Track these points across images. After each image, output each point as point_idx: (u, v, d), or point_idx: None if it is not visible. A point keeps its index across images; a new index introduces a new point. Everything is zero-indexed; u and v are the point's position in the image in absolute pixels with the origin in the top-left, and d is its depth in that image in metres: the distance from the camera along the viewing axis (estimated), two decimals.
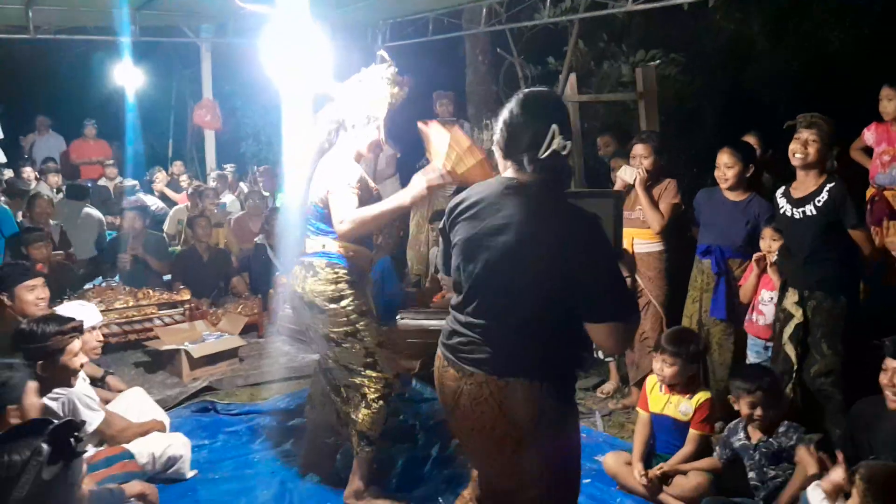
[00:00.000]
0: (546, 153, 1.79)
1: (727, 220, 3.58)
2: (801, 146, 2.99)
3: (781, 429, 2.77)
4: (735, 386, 2.86)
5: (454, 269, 1.96)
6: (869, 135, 3.96)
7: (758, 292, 3.43)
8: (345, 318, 2.79)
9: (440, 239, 2.03)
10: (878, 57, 6.60)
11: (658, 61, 5.73)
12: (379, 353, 2.85)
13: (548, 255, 1.78)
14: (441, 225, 1.99)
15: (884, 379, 2.42)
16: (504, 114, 1.90)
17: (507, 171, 1.89)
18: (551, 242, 1.78)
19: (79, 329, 2.83)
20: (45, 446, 1.81)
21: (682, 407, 2.98)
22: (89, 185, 7.00)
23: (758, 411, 2.77)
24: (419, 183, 2.57)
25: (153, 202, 7.70)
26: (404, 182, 6.57)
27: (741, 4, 5.98)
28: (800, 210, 3.04)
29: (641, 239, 3.80)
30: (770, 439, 2.77)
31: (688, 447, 2.94)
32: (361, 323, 2.82)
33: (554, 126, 1.79)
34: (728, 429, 2.95)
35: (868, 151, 4.05)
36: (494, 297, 1.86)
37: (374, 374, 2.84)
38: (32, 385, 2.34)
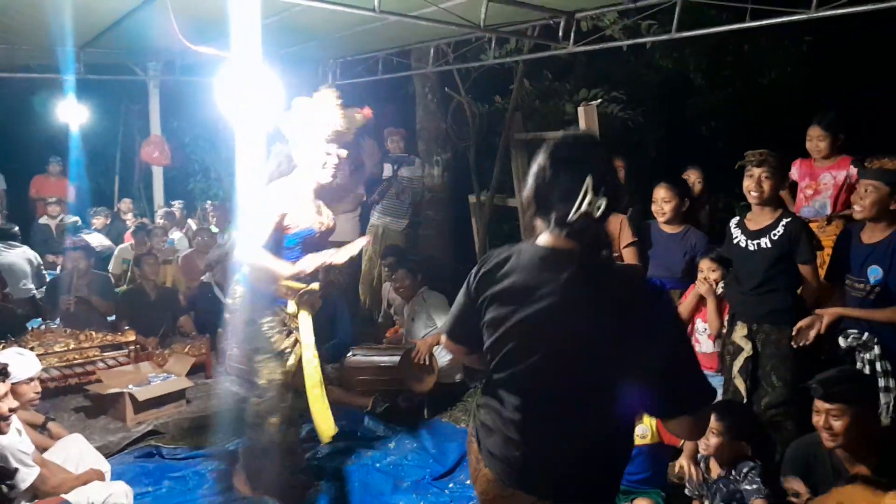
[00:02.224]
0: (576, 216, 1.46)
1: (665, 251, 3.72)
2: (756, 184, 3.12)
3: (744, 469, 2.72)
4: None
5: (487, 344, 1.64)
6: (794, 170, 4.18)
7: (694, 321, 3.54)
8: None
9: (462, 295, 1.74)
10: (806, 91, 7.01)
11: (600, 100, 5.94)
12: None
13: (612, 344, 1.45)
14: (467, 284, 1.71)
15: (817, 420, 2.45)
16: (533, 164, 1.61)
17: (542, 235, 1.58)
18: (615, 327, 1.45)
19: (2, 373, 2.72)
20: None
21: (639, 430, 3.05)
22: (16, 226, 6.83)
23: None
24: (308, 263, 2.86)
25: (98, 241, 7.52)
26: (363, 217, 6.63)
27: (677, 44, 6.26)
28: (754, 242, 3.16)
29: None
30: (729, 477, 2.75)
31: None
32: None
33: (588, 180, 1.46)
34: (699, 457, 3.00)
35: (792, 187, 4.26)
36: (547, 400, 1.51)
37: None
38: None
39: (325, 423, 3.01)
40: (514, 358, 1.56)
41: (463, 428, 4.22)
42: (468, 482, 3.51)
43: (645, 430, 3.04)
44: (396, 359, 4.32)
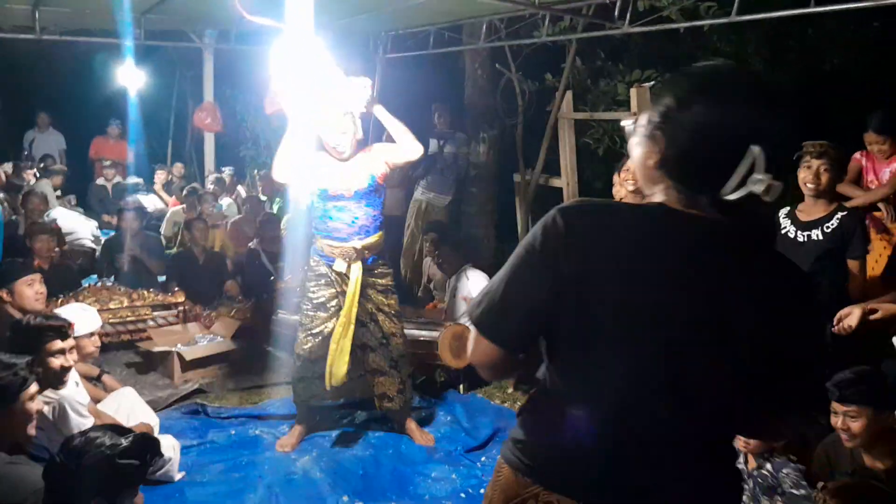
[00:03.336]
0: (736, 194, 1.12)
1: None
2: (814, 176, 3.06)
3: (783, 469, 2.66)
4: None
5: (571, 339, 1.23)
6: (853, 165, 4.06)
7: None
8: None
9: (526, 283, 1.24)
10: (873, 77, 6.74)
11: (654, 82, 5.82)
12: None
13: (760, 330, 1.16)
14: (524, 255, 1.24)
15: (836, 421, 2.50)
16: (665, 103, 1.19)
17: (665, 194, 1.22)
18: (767, 311, 1.16)
19: (61, 329, 2.85)
20: (123, 442, 2.11)
21: None
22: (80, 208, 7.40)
23: None
24: None
25: (152, 203, 7.77)
26: (408, 192, 6.71)
27: (737, 26, 6.08)
28: (805, 234, 3.10)
29: None
30: (765, 470, 2.71)
31: None
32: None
33: (755, 151, 1.10)
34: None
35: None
36: (673, 400, 1.17)
37: None
38: (29, 392, 2.33)
39: (337, 371, 3.36)
40: (625, 350, 1.18)
41: (497, 404, 4.28)
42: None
43: None
44: (436, 334, 4.38)
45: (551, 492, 1.24)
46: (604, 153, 6.34)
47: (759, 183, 1.09)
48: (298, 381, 3.53)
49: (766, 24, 6.54)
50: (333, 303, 3.39)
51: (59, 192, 7.68)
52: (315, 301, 3.38)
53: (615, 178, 4.40)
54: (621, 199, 4.01)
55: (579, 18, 5.14)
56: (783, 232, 3.21)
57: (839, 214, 3.06)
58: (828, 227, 3.06)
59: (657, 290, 1.16)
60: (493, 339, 1.27)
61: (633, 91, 5.23)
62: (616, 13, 4.71)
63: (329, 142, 3.26)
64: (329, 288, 3.37)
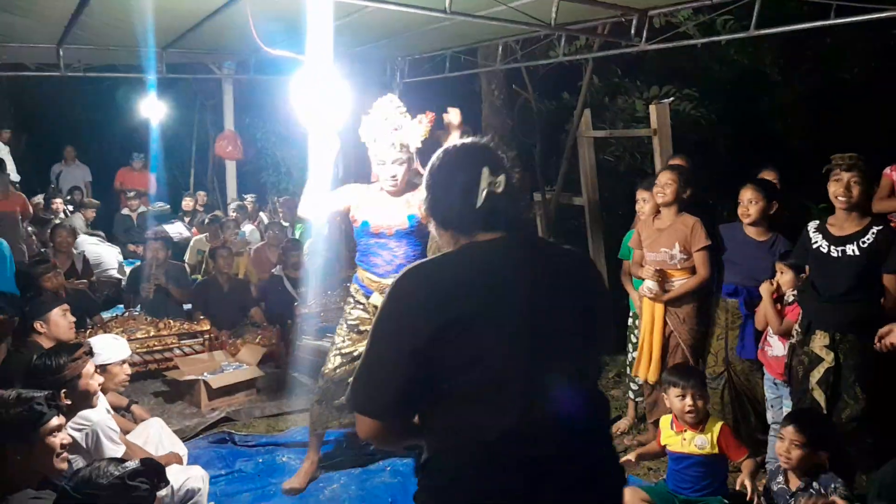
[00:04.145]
0: (482, 197, 1.47)
1: (752, 260, 3.57)
2: (845, 189, 2.98)
3: (831, 485, 2.61)
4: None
5: (454, 387, 1.37)
6: (885, 182, 3.97)
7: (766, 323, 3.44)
8: None
9: (399, 354, 1.39)
10: (891, 87, 6.65)
11: (672, 98, 5.80)
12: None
13: (582, 316, 1.50)
14: (384, 329, 1.42)
15: None
16: (426, 186, 1.59)
17: (462, 240, 1.52)
18: (582, 299, 1.51)
19: (88, 352, 2.92)
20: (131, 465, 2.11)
21: (698, 441, 2.99)
22: (101, 232, 7.54)
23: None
24: None
25: (177, 231, 7.88)
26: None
27: (753, 38, 6.06)
28: (839, 249, 3.02)
29: (675, 277, 3.66)
30: (810, 489, 2.65)
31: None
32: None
33: (484, 171, 1.49)
34: (769, 471, 2.91)
35: None
36: (549, 403, 1.39)
37: None
38: (50, 426, 2.28)
39: None
40: (504, 378, 1.36)
41: None
42: None
43: (704, 441, 2.97)
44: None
45: None
46: (624, 169, 6.32)
47: (489, 185, 1.47)
48: (316, 403, 3.44)
49: (784, 34, 6.50)
50: (367, 327, 3.38)
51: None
52: (350, 322, 3.37)
53: (637, 194, 4.37)
54: (646, 214, 3.98)
55: (595, 37, 5.15)
56: (815, 246, 3.11)
57: (874, 229, 2.98)
58: (864, 243, 2.98)
59: (514, 310, 1.39)
60: (370, 414, 1.39)
61: (651, 108, 5.22)
62: (633, 31, 4.71)
63: (383, 174, 3.17)
64: (365, 315, 3.35)
